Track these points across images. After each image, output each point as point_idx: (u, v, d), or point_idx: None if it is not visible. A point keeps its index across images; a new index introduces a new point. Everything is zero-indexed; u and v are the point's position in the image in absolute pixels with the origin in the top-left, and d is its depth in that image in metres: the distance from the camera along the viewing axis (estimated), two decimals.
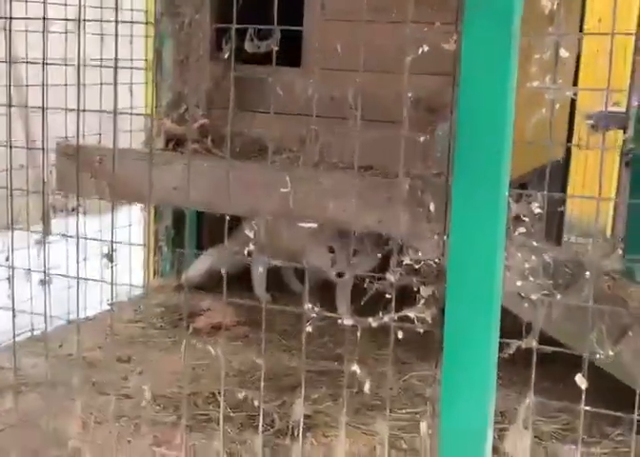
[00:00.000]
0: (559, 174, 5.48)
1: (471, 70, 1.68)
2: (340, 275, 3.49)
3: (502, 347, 1.73)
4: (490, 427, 1.73)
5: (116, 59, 2.06)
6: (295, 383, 3.03)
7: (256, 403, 2.54)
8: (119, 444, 2.49)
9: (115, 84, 2.34)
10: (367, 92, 2.73)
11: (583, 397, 1.66)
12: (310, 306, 1.88)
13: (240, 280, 3.97)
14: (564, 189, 5.58)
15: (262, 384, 1.98)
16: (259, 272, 4.05)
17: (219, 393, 2.89)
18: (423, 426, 1.82)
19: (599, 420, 2.84)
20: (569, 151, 5.52)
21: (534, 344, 1.69)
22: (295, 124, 3.55)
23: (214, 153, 3.62)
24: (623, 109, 6.54)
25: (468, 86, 1.68)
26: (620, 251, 4.91)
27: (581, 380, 1.66)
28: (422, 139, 2.90)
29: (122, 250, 3.70)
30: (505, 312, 1.73)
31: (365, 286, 1.85)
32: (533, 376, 1.70)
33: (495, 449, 1.76)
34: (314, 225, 1.94)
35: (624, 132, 6.48)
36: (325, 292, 3.65)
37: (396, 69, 3.63)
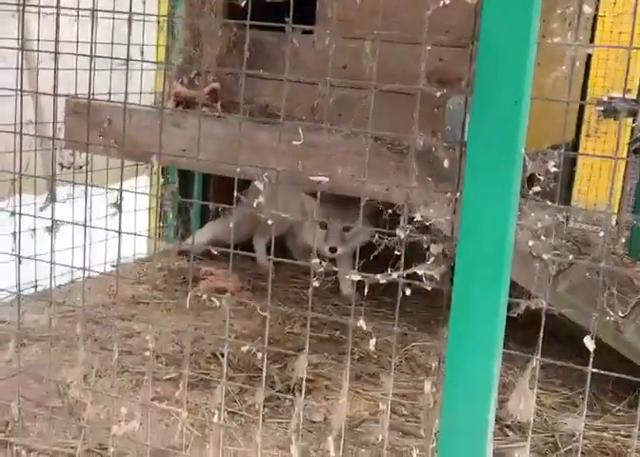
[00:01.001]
0: (567, 159, 5.44)
1: (493, 25, 1.66)
2: (333, 250, 3.48)
3: (511, 306, 1.72)
4: (495, 387, 1.72)
5: (130, 13, 2.02)
6: (296, 348, 3.02)
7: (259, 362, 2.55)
8: (120, 396, 2.49)
9: (129, 43, 2.33)
10: (379, 63, 2.71)
11: (591, 360, 1.65)
12: (317, 260, 1.86)
13: (244, 249, 3.97)
14: (572, 176, 5.57)
15: (267, 331, 1.96)
16: (260, 239, 4.05)
17: (222, 355, 2.89)
18: (427, 385, 1.81)
19: (601, 396, 2.85)
20: (577, 138, 5.49)
21: (544, 304, 1.67)
22: (306, 92, 3.52)
23: (224, 118, 3.61)
24: (634, 96, 6.52)
25: (488, 39, 1.66)
26: (624, 239, 4.90)
27: (589, 342, 1.64)
28: (435, 110, 2.90)
29: (127, 215, 3.70)
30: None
31: (374, 241, 1.83)
32: (541, 336, 1.69)
33: (500, 407, 1.76)
34: (326, 178, 1.92)
35: (633, 121, 6.46)
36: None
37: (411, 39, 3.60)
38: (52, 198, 2.35)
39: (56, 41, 2.12)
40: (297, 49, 3.65)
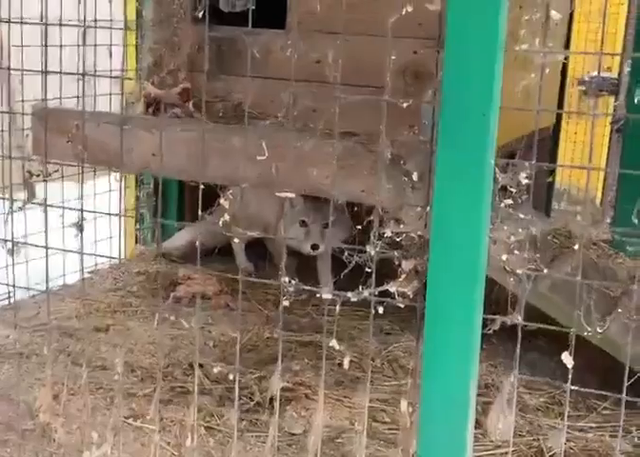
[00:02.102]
0: (548, 142, 5.38)
1: (458, 30, 1.59)
2: (314, 248, 3.42)
3: (486, 322, 1.67)
4: (472, 406, 1.67)
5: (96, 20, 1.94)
6: (276, 354, 2.96)
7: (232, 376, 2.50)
8: (93, 416, 2.43)
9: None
10: (352, 57, 2.63)
11: (570, 376, 1.60)
12: (287, 279, 1.80)
13: (223, 251, 3.91)
14: (554, 158, 5.49)
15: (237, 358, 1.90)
16: (238, 242, 3.99)
17: (200, 366, 2.83)
18: (403, 403, 1.75)
19: (586, 393, 2.80)
20: (559, 120, 5.41)
21: (520, 320, 1.62)
22: (279, 89, 3.45)
23: (196, 118, 3.53)
24: (615, 74, 6.45)
25: (454, 47, 1.60)
26: (609, 220, 4.85)
27: (567, 358, 1.59)
28: (406, 106, 2.83)
29: (101, 218, 3.63)
30: (491, 284, 1.67)
31: (344, 259, 1.77)
32: (518, 352, 1.64)
33: (478, 426, 1.71)
34: (292, 195, 1.85)
35: (615, 99, 6.40)
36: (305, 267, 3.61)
37: (383, 32, 3.54)
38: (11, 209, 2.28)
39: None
40: (269, 47, 3.57)
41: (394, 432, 2.53)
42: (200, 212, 2.10)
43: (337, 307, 1.77)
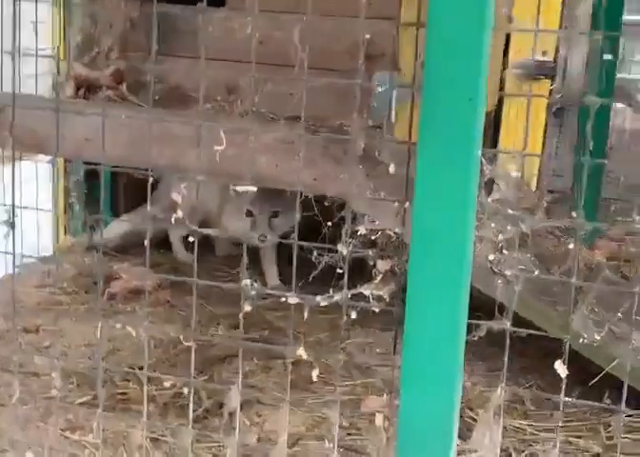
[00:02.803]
0: (490, 128, 5.28)
1: (441, 7, 1.42)
2: (262, 239, 3.26)
3: (471, 328, 1.52)
4: (456, 420, 1.52)
5: None
6: (222, 354, 2.79)
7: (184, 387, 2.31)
8: (26, 429, 2.21)
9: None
10: (300, 37, 2.44)
11: (563, 387, 1.46)
12: (248, 282, 1.62)
13: (160, 242, 3.70)
14: (495, 145, 5.38)
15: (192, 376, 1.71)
16: (177, 233, 3.78)
17: (140, 369, 2.62)
18: (379, 418, 1.60)
19: (549, 390, 2.69)
20: (500, 105, 5.30)
21: (508, 325, 1.47)
22: (221, 71, 3.24)
23: (130, 101, 3.31)
24: (551, 58, 6.40)
25: (436, 26, 1.43)
26: (545, 204, 4.78)
27: (560, 367, 1.45)
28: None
29: (28, 206, 3.37)
30: (475, 290, 1.51)
31: (314, 259, 1.60)
32: (506, 361, 1.50)
33: (462, 440, 1.57)
34: (253, 188, 1.67)
35: (551, 83, 6.35)
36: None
37: (332, 12, 3.35)
38: None
39: None
40: (208, 24, 3.36)
41: (354, 438, 2.38)
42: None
43: (305, 314, 1.60)
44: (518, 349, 2.61)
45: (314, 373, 1.68)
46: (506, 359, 1.49)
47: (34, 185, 3.48)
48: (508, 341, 1.48)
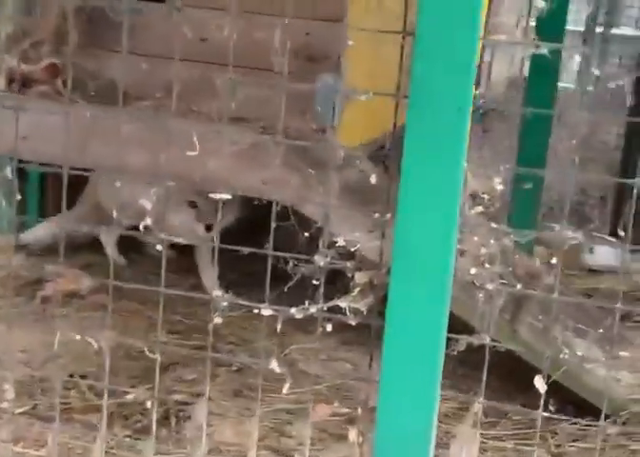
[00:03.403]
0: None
1: (430, 15, 1.40)
2: (209, 228, 3.17)
3: (449, 343, 1.49)
4: (433, 436, 1.50)
5: None
6: (166, 361, 2.70)
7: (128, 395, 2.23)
8: None
9: None
10: (241, 37, 2.38)
11: (542, 402, 1.45)
12: (219, 293, 1.56)
13: (91, 243, 3.58)
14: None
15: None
16: (109, 235, 3.66)
17: (80, 377, 2.52)
18: (352, 433, 1.56)
19: (495, 397, 2.70)
20: None
21: (487, 340, 1.45)
22: (159, 67, 3.15)
23: (66, 97, 3.18)
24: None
25: (425, 34, 1.40)
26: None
27: (539, 382, 1.45)
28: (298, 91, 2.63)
29: None
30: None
31: (289, 270, 1.55)
32: (485, 376, 1.48)
33: None
34: (228, 196, 1.61)
35: (475, 88, 6.42)
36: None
37: (275, 12, 3.28)
38: None
39: None
40: (148, 20, 3.27)
41: (316, 449, 2.33)
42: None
43: (278, 327, 1.55)
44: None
45: (285, 387, 1.61)
46: (484, 374, 1.47)
47: None
48: (487, 356, 1.46)
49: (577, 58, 6.95)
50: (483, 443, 2.44)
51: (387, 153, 3.54)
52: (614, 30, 7.43)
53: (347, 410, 2.55)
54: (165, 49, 3.22)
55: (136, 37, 3.05)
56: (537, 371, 2.50)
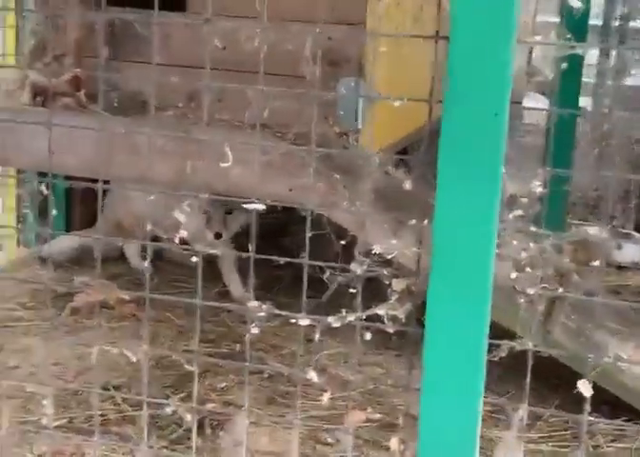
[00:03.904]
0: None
1: (465, 19, 1.39)
2: (218, 236, 3.18)
3: (490, 348, 1.48)
4: (477, 443, 1.49)
5: None
6: (198, 369, 2.70)
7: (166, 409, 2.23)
8: None
9: None
10: (265, 42, 2.38)
11: (587, 407, 1.44)
12: (256, 303, 1.55)
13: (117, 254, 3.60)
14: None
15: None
16: (130, 246, 3.67)
17: (114, 388, 2.53)
18: (394, 442, 1.55)
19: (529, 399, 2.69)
20: None
21: (530, 345, 1.44)
22: (181, 76, 3.16)
23: (90, 109, 3.20)
24: None
25: (460, 38, 1.39)
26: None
27: (585, 387, 1.43)
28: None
29: None
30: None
31: (325, 278, 1.54)
32: (528, 383, 1.47)
33: None
34: (262, 206, 1.60)
35: None
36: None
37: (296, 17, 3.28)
38: None
39: None
40: (168, 30, 3.29)
41: (342, 454, 2.32)
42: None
43: (317, 336, 1.54)
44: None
45: (326, 396, 1.60)
46: (528, 380, 1.46)
47: None
48: (530, 361, 1.45)
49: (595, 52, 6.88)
50: (518, 444, 2.42)
51: (413, 157, 3.53)
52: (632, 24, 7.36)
53: (380, 416, 2.55)
54: (187, 58, 3.24)
55: (156, 48, 3.08)
56: (570, 371, 2.52)
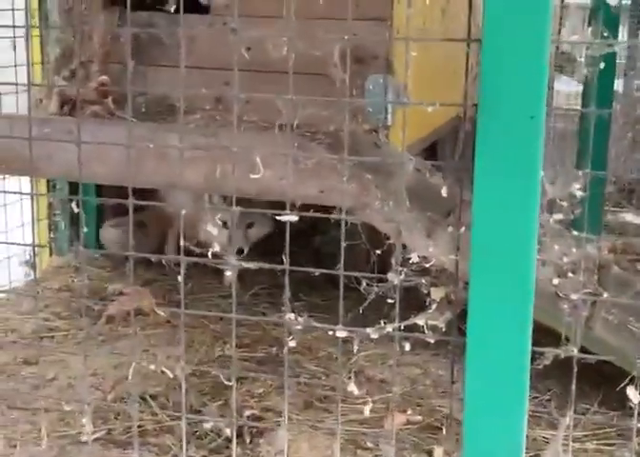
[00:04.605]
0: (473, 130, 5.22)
1: (499, 20, 1.34)
2: (240, 252, 3.14)
3: (534, 356, 1.44)
4: (522, 452, 1.45)
5: None
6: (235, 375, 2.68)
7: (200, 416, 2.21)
8: None
9: None
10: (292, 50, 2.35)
11: (636, 412, 1.39)
12: (292, 315, 1.53)
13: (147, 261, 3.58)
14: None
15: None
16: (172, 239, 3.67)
17: (151, 397, 2.52)
18: (438, 451, 1.52)
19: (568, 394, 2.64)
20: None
21: (575, 352, 1.40)
22: (207, 80, 3.14)
23: (118, 115, 3.18)
24: None
25: (494, 39, 1.35)
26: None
27: (633, 393, 1.39)
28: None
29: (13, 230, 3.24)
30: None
31: (362, 290, 1.51)
32: (574, 390, 1.43)
33: None
34: (295, 218, 1.57)
35: None
36: None
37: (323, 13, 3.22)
38: None
39: None
40: (192, 33, 3.26)
41: None
42: None
43: (355, 347, 1.51)
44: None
45: (367, 409, 1.57)
46: (573, 386, 1.42)
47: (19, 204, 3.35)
48: (575, 368, 1.41)
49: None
50: (565, 446, 2.38)
51: (448, 163, 3.46)
52: None
53: (420, 418, 2.52)
54: (212, 60, 3.22)
55: (181, 51, 3.05)
56: (612, 366, 2.47)
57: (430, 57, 3.23)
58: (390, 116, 3.04)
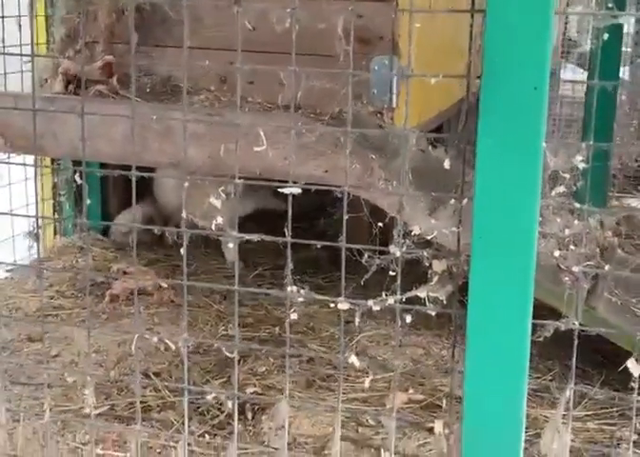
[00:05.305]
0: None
1: None
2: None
3: (535, 329, 1.45)
4: (522, 426, 1.46)
5: None
6: (238, 354, 2.69)
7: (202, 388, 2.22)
8: (46, 447, 2.12)
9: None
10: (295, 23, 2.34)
11: (637, 386, 1.40)
12: (294, 288, 1.53)
13: (155, 241, 3.59)
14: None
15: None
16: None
17: (154, 374, 2.53)
18: (438, 424, 1.52)
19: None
20: None
21: (576, 324, 1.40)
22: (212, 60, 3.14)
23: (122, 95, 3.18)
24: None
25: (497, 10, 1.35)
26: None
27: (634, 366, 1.39)
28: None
29: (17, 210, 3.25)
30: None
31: (364, 261, 1.51)
32: (574, 363, 1.43)
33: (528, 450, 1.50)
34: (298, 190, 1.57)
35: None
36: None
37: None
38: None
39: None
40: (198, 13, 3.25)
41: (385, 437, 2.30)
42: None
43: (357, 320, 1.52)
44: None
45: (367, 381, 1.58)
46: (574, 360, 1.43)
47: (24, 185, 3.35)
48: (576, 341, 1.41)
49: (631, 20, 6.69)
50: (565, 424, 2.39)
51: (451, 135, 3.46)
52: None
53: (422, 397, 2.52)
54: (217, 41, 3.21)
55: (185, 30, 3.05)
56: (614, 347, 2.47)
57: (435, 36, 3.22)
58: (394, 98, 3.03)
